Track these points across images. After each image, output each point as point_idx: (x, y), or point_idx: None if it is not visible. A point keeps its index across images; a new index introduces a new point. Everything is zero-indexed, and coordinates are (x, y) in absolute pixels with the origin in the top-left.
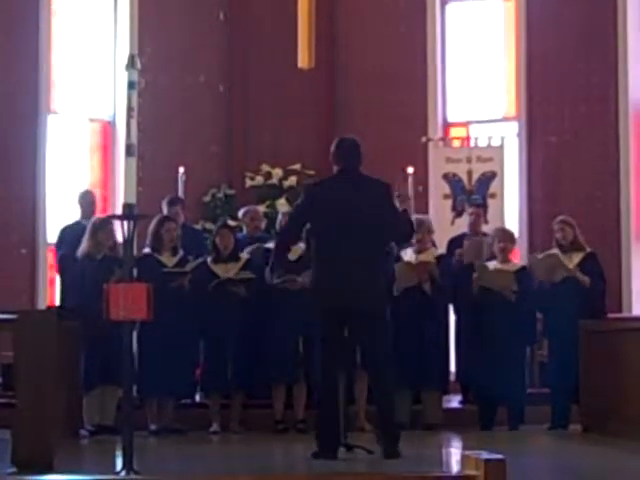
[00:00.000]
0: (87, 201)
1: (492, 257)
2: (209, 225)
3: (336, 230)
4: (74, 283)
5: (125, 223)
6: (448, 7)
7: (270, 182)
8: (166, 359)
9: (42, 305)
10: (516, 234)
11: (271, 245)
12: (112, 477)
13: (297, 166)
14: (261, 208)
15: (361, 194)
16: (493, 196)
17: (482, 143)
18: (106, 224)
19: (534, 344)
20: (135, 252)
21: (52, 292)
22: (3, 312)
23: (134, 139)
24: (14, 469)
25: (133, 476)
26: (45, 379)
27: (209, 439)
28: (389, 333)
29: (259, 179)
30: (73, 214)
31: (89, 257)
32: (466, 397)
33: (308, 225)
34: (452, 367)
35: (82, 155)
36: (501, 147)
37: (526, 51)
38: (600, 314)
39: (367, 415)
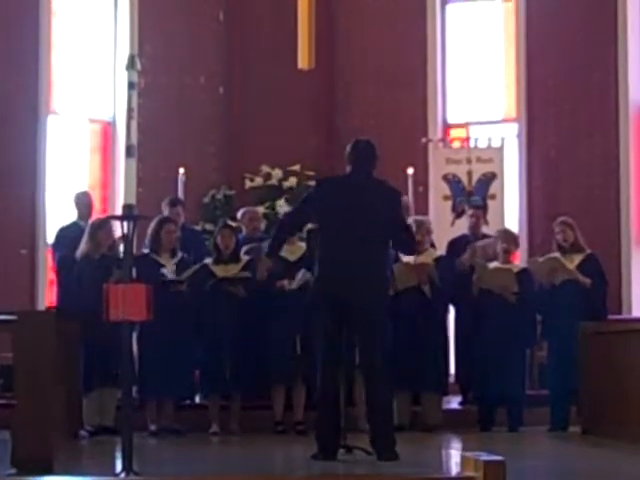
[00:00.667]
0: (83, 202)
1: (494, 258)
2: (209, 226)
3: (341, 227)
4: (73, 284)
5: (125, 224)
6: (448, 8)
7: (270, 183)
8: (165, 360)
9: (42, 306)
10: None
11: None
12: (112, 478)
13: (297, 167)
14: (261, 209)
15: (370, 196)
16: (493, 197)
17: (482, 144)
18: (105, 225)
19: (534, 346)
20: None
21: (51, 293)
22: (3, 313)
23: (134, 140)
24: (14, 470)
25: (132, 477)
26: (45, 380)
27: (208, 440)
28: (386, 333)
29: (259, 180)
30: (71, 215)
31: (88, 258)
32: (466, 398)
33: (309, 225)
34: (452, 369)
35: (82, 156)
36: (501, 148)
37: (526, 52)
38: (601, 316)
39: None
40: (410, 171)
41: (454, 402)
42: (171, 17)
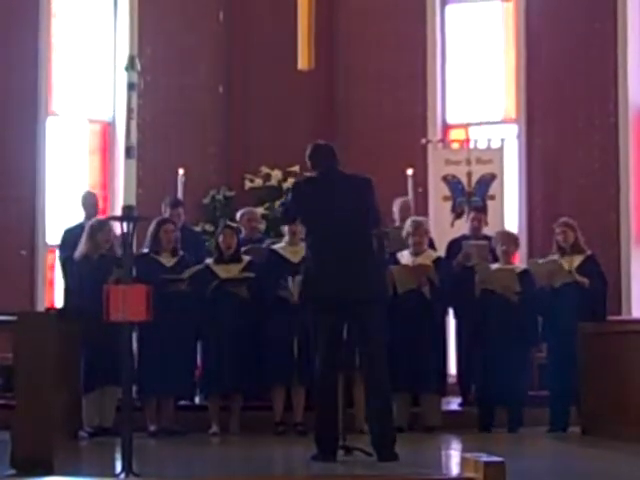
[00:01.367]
0: (90, 202)
1: (494, 260)
2: (208, 227)
3: (327, 226)
4: (76, 285)
5: (125, 225)
6: (448, 8)
7: (269, 184)
8: (165, 360)
9: (42, 307)
10: None
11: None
12: (111, 479)
13: (296, 168)
14: (260, 210)
15: (345, 189)
16: (493, 198)
17: (482, 145)
18: (104, 226)
19: (535, 346)
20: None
21: (51, 293)
22: (3, 313)
23: (134, 141)
24: (13, 471)
25: (132, 478)
26: (45, 381)
27: (208, 441)
28: (386, 333)
29: (258, 181)
30: (74, 216)
31: (86, 258)
32: (465, 399)
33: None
34: (452, 369)
35: (82, 157)
36: (501, 149)
37: (526, 53)
38: (601, 317)
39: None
40: (410, 172)
41: (454, 403)
42: (171, 17)
